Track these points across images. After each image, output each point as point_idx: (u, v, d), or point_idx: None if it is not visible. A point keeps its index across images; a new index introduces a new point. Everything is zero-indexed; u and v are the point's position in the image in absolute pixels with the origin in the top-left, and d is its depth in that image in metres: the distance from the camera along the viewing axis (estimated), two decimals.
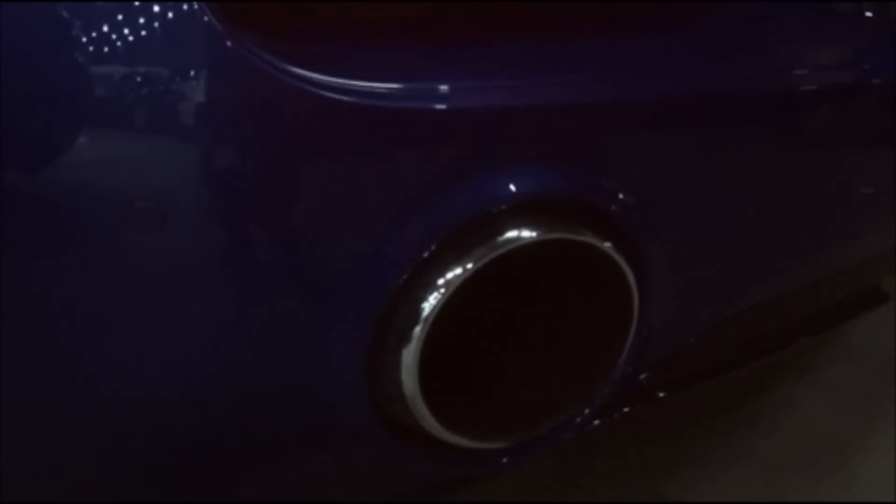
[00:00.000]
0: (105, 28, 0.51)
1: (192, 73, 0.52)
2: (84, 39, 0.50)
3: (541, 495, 1.16)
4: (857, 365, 1.48)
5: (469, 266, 0.60)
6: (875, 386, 1.45)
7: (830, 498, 1.19)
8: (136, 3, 0.51)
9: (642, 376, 0.81)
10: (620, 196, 0.67)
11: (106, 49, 0.51)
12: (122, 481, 0.62)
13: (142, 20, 0.51)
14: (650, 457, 1.25)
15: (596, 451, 1.21)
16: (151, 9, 0.51)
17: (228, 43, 0.52)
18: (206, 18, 0.51)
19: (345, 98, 0.54)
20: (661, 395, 0.87)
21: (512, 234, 0.61)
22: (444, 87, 0.59)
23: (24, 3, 0.49)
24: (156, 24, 0.51)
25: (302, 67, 0.54)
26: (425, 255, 0.59)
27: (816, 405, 1.39)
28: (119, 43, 0.51)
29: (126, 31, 0.51)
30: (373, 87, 0.56)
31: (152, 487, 0.62)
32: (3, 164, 0.50)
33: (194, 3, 0.51)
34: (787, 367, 1.40)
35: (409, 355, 0.60)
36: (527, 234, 0.61)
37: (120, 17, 0.51)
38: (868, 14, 0.82)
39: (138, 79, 0.51)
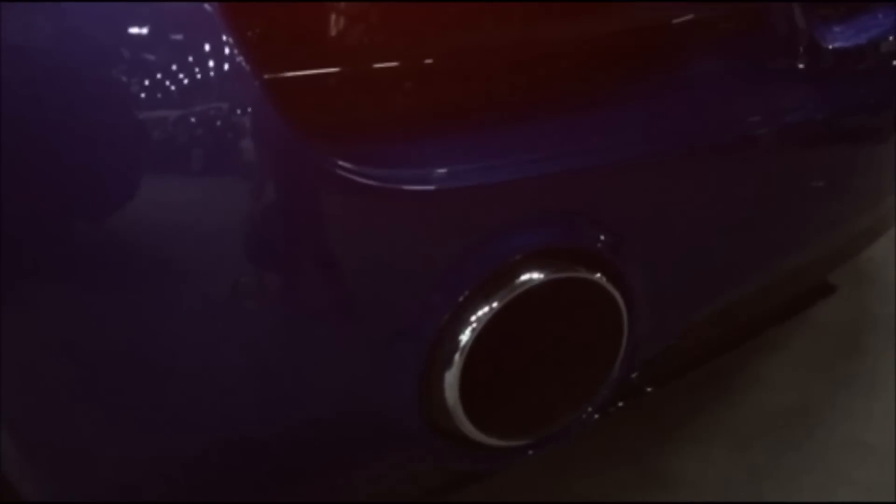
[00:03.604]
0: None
1: (267, 172, 0.67)
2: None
3: (537, 468, 1.27)
4: (817, 340, 1.56)
5: (494, 305, 0.75)
6: (833, 358, 1.53)
7: (796, 464, 1.28)
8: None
9: (633, 375, 0.96)
10: (602, 238, 0.83)
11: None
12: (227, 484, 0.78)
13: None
14: (632, 434, 1.35)
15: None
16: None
17: (304, 150, 0.67)
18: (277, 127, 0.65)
19: (392, 186, 0.70)
20: (649, 389, 1.02)
21: (524, 277, 0.77)
22: (466, 170, 0.75)
23: None
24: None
25: (356, 164, 0.68)
26: (461, 299, 0.75)
27: (780, 378, 1.47)
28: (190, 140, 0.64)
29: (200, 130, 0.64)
30: (415, 174, 0.72)
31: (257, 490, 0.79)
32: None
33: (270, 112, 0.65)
34: (751, 344, 1.41)
35: (451, 376, 0.75)
36: (536, 276, 0.77)
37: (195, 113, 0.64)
38: (801, 66, 0.99)
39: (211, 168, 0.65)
